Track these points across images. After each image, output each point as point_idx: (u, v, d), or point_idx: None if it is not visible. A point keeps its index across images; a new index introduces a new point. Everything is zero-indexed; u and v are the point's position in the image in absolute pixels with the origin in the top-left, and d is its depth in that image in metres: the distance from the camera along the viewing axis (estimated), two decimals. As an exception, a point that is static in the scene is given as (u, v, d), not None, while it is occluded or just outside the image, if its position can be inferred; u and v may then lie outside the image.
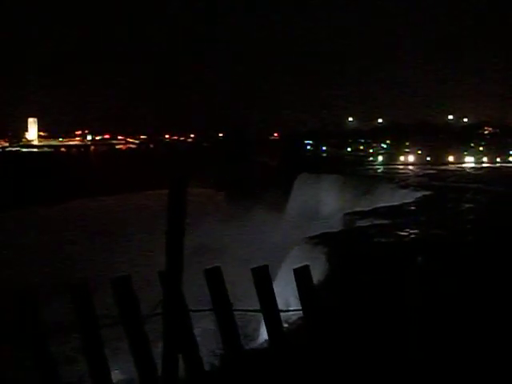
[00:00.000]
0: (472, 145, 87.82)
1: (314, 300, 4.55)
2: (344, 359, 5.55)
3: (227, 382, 4.62)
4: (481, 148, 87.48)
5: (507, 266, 14.14)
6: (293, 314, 5.42)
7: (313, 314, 4.58)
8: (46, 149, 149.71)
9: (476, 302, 9.96)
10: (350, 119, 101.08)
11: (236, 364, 4.48)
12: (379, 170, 77.41)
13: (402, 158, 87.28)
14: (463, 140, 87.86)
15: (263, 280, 4.46)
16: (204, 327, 6.56)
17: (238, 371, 4.48)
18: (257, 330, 17.42)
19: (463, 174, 70.29)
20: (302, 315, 4.71)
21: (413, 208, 37.87)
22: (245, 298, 5.36)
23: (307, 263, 4.60)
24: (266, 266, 4.49)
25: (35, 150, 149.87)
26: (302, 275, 4.51)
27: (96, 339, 4.52)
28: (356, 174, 66.78)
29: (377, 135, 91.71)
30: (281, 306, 4.65)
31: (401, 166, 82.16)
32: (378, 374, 6.15)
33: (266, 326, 4.47)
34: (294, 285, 4.64)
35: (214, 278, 4.46)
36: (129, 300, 4.47)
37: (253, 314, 4.56)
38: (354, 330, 8.62)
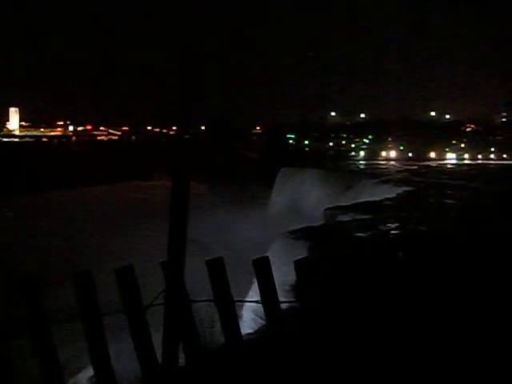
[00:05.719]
0: (454, 141, 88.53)
1: (311, 291, 4.62)
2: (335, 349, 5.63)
3: (225, 372, 4.68)
4: (462, 145, 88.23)
5: (486, 261, 14.27)
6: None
7: (308, 305, 4.66)
8: (27, 139, 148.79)
9: (453, 297, 10.05)
10: (333, 114, 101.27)
11: (235, 354, 4.55)
12: (361, 166, 77.68)
13: (384, 154, 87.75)
14: (445, 136, 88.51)
15: (264, 271, 4.52)
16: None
17: (237, 361, 4.54)
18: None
19: (445, 170, 70.74)
20: (289, 307, 4.79)
21: (394, 203, 38.06)
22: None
23: (303, 255, 4.68)
24: (267, 258, 4.55)
25: (16, 139, 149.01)
26: (302, 266, 4.57)
27: (98, 328, 4.56)
28: (338, 168, 67.01)
29: (359, 130, 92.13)
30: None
31: (383, 162, 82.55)
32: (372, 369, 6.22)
33: (266, 316, 4.54)
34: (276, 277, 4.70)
35: (217, 269, 4.51)
36: (131, 289, 4.51)
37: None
38: (336, 320, 8.68)
